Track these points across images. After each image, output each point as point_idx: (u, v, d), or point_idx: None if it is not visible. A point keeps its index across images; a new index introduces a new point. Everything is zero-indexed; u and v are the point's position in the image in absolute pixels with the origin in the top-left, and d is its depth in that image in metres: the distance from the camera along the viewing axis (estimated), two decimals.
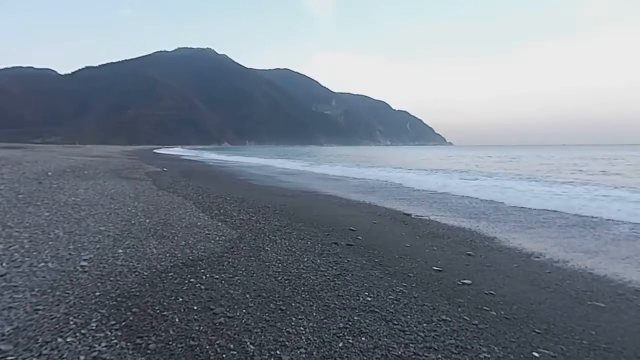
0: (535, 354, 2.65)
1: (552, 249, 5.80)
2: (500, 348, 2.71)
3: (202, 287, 3.46)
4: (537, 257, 5.35)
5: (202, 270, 3.90)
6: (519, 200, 10.62)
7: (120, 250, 4.39)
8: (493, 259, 5.16)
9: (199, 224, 6.11)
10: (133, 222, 5.94)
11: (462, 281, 4.15)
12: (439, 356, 2.53)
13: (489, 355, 2.59)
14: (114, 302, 3.02)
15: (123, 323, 2.70)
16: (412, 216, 8.41)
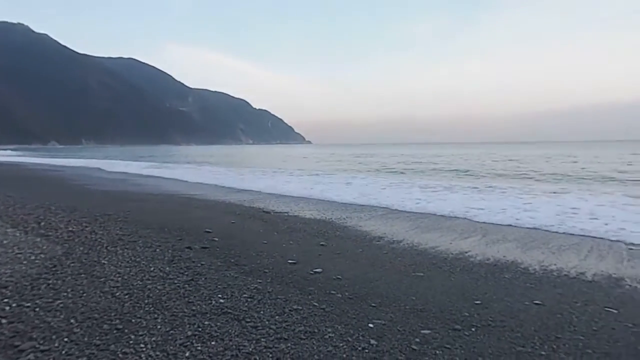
0: (371, 325, 3.01)
1: (389, 233, 6.73)
2: (343, 326, 2.97)
3: (4, 321, 2.73)
4: (378, 241, 6.11)
5: (6, 300, 3.08)
6: (349, 197, 12.02)
7: None
8: (343, 247, 5.66)
9: (4, 242, 4.84)
10: None
11: (314, 270, 4.42)
12: (289, 345, 2.62)
13: (333, 335, 2.81)
14: None
15: None
16: (272, 213, 8.57)
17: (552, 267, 4.74)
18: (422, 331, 2.94)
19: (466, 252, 5.41)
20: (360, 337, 2.80)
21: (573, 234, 6.45)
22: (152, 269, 4.11)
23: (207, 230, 6.31)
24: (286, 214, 8.46)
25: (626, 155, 38.25)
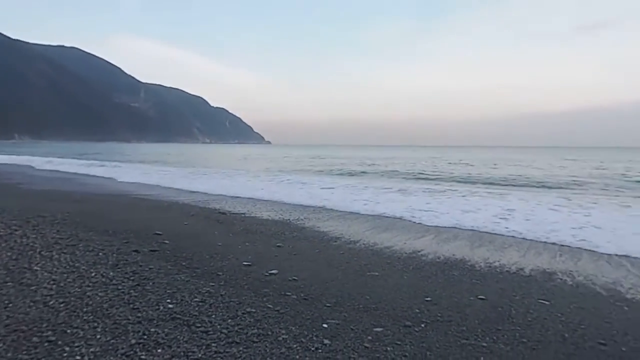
0: (325, 325, 3.02)
1: (346, 233, 6.82)
2: (297, 327, 2.95)
3: None
4: (335, 242, 6.16)
5: None
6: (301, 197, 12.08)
7: None
8: (299, 248, 5.64)
9: None
10: None
11: (270, 272, 4.36)
12: (241, 348, 2.55)
13: (287, 336, 2.79)
14: None
15: None
16: (228, 214, 8.36)
17: (496, 264, 5.05)
18: (375, 329, 3.00)
19: (419, 251, 5.61)
20: (314, 338, 2.80)
21: (514, 237, 6.91)
22: (93, 274, 3.84)
23: (157, 232, 6.01)
24: (243, 215, 8.29)
25: (559, 160, 41.75)
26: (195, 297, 3.41)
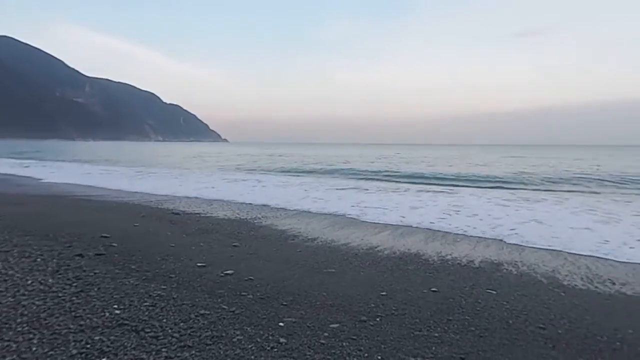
0: (281, 324, 2.99)
1: (304, 231, 6.81)
2: (253, 327, 2.90)
3: None
4: (292, 240, 6.14)
5: None
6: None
7: None
8: (256, 247, 5.55)
9: None
10: None
11: (225, 272, 4.24)
12: (193, 352, 2.45)
13: (242, 337, 2.72)
14: None
15: None
16: (182, 214, 8.05)
17: (448, 257, 5.28)
18: (331, 325, 3.02)
19: (375, 247, 5.74)
20: (270, 337, 2.76)
21: (464, 232, 7.27)
22: (29, 282, 3.52)
23: (104, 235, 5.65)
24: (198, 215, 8.02)
25: (500, 158, 44.34)
26: (145, 302, 3.24)
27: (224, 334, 2.74)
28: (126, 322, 2.83)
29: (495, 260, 5.20)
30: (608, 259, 5.34)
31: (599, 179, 19.03)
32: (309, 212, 8.99)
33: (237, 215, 8.17)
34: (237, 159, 38.81)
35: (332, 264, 4.80)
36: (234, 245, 5.56)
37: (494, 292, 3.93)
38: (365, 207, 9.35)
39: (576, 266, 5.00)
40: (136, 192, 11.66)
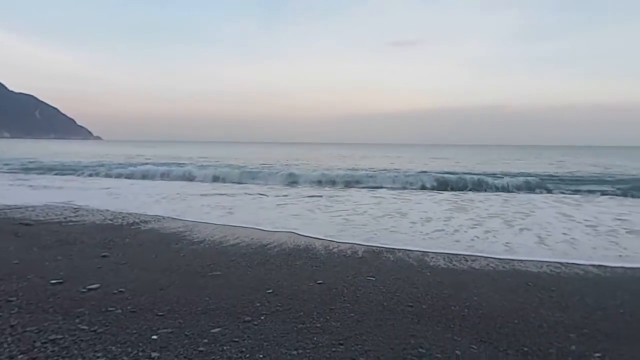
0: (154, 337, 2.69)
1: (189, 234, 6.34)
2: (119, 345, 2.54)
3: None
4: (176, 244, 5.66)
5: None
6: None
7: None
8: (131, 255, 4.96)
9: None
10: None
11: (88, 287, 3.66)
12: None
13: (105, 358, 2.36)
14: None
15: None
16: (35, 225, 6.74)
17: (335, 250, 5.52)
18: (212, 330, 2.83)
19: (265, 246, 5.67)
20: (140, 354, 2.45)
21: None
22: None
23: None
24: (57, 224, 6.82)
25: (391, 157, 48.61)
26: None
27: (80, 359, 2.33)
28: None
29: (376, 249, 5.63)
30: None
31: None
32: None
33: (111, 222, 7.21)
34: (105, 157, 34.27)
35: (218, 267, 4.56)
36: (103, 256, 4.86)
37: (374, 279, 4.23)
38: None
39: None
40: None
